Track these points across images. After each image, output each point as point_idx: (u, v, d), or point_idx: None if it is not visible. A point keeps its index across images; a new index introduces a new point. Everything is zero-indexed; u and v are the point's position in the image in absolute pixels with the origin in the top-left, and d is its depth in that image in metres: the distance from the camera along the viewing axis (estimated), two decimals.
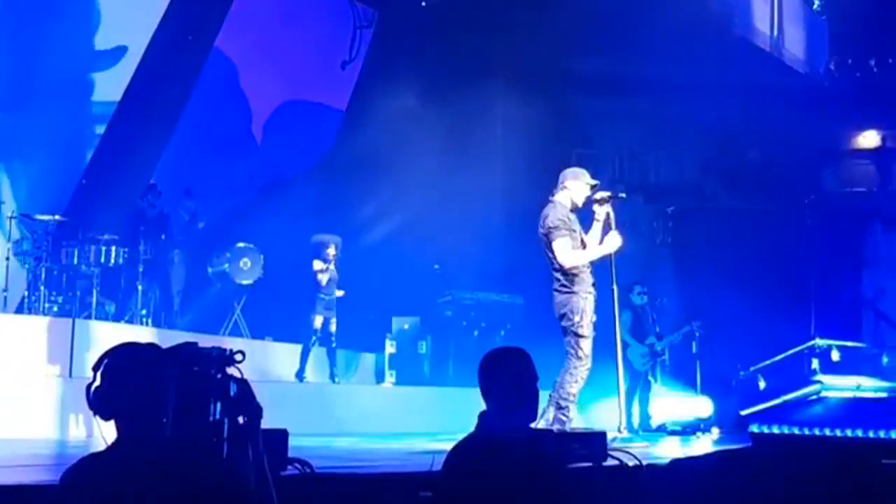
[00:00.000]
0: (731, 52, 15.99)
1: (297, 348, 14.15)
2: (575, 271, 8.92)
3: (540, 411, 8.34)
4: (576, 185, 9.17)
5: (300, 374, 13.82)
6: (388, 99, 17.03)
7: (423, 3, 17.17)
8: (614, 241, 9.17)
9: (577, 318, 8.86)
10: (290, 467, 5.69)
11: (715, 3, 16.00)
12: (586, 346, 8.85)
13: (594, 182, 9.27)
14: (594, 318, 8.98)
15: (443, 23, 16.96)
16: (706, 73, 15.42)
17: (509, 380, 4.61)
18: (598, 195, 9.29)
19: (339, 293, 14.15)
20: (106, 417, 3.63)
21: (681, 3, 15.49)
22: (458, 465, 4.46)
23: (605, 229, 9.29)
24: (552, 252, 8.94)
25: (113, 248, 12.97)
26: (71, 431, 10.27)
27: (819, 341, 13.94)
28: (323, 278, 13.99)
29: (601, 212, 9.30)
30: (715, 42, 15.74)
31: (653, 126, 17.12)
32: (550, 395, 8.79)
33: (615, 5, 15.22)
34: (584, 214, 9.34)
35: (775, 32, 17.11)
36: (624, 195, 9.59)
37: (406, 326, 15.34)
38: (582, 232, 9.22)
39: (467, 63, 16.64)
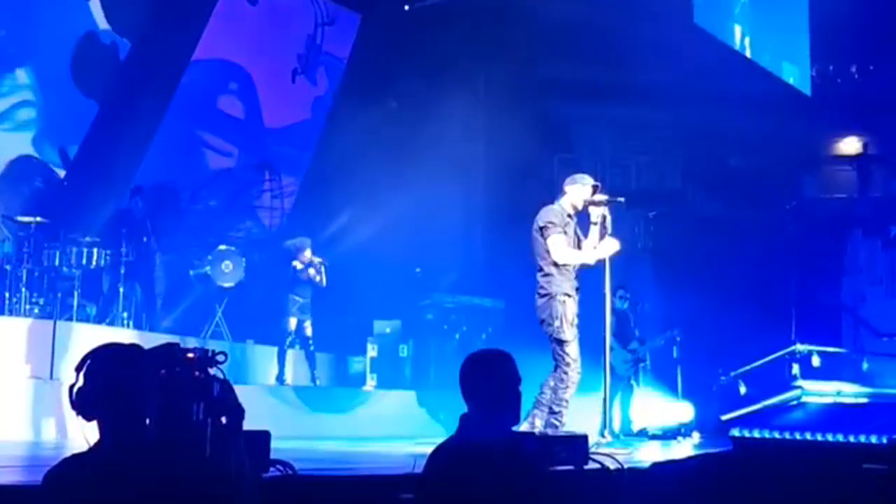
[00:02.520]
0: (712, 59, 16.02)
1: (275, 351, 14.19)
2: (554, 272, 8.89)
3: (524, 414, 8.37)
4: (574, 189, 9.12)
5: (280, 378, 13.83)
6: (370, 102, 17.04)
7: (406, 8, 17.18)
8: (611, 246, 9.12)
9: (556, 324, 8.77)
10: (272, 469, 5.69)
11: (696, 9, 16.04)
12: (571, 350, 8.77)
13: (594, 182, 9.19)
14: (576, 322, 8.92)
15: (425, 28, 16.98)
16: (688, 79, 15.47)
17: (492, 382, 4.55)
18: (595, 197, 9.25)
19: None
20: (88, 418, 3.62)
21: (662, 10, 15.54)
22: (439, 467, 4.45)
23: (602, 232, 9.20)
24: (544, 249, 8.91)
25: (94, 251, 12.94)
26: (51, 433, 10.25)
27: (800, 347, 13.98)
28: (309, 273, 13.98)
29: (595, 213, 9.16)
30: (696, 49, 15.78)
31: (634, 132, 17.18)
32: (536, 398, 8.76)
33: (597, 12, 15.26)
34: (584, 218, 9.32)
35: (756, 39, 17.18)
36: (622, 199, 9.51)
37: (387, 330, 15.33)
38: (581, 235, 9.17)
39: (449, 68, 16.65)
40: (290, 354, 14.10)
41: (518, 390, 4.64)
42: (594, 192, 9.20)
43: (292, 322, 13.97)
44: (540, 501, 4.52)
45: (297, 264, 14.01)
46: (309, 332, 14.04)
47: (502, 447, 4.46)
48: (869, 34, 17.11)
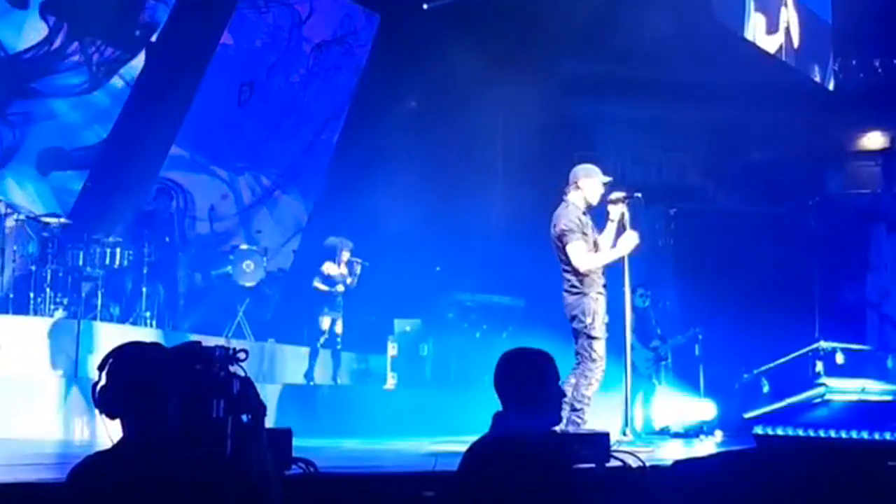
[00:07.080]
0: (733, 54, 15.97)
1: (299, 350, 14.20)
2: (586, 272, 8.82)
3: None
4: (589, 184, 8.95)
5: (309, 376, 13.85)
6: (390, 101, 17.05)
7: (425, 6, 17.17)
8: (630, 242, 8.98)
9: (588, 320, 8.70)
10: (294, 466, 5.71)
11: (717, 4, 15.99)
12: (600, 347, 8.71)
13: (607, 179, 9.06)
14: (606, 320, 8.86)
15: (443, 26, 16.96)
16: (709, 74, 15.41)
17: (528, 381, 4.46)
18: (613, 195, 9.07)
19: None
20: (112, 416, 3.66)
21: (682, 5, 15.50)
22: (473, 466, 4.39)
23: (620, 230, 9.11)
24: (565, 255, 8.80)
25: (118, 251, 13.04)
26: (76, 431, 10.32)
27: (823, 344, 13.85)
28: (337, 278, 13.98)
29: (615, 212, 9.08)
30: (718, 44, 15.73)
31: (655, 128, 17.12)
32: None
33: (617, 9, 15.22)
34: (599, 214, 9.24)
35: (779, 33, 17.11)
36: (640, 195, 9.35)
37: (408, 328, 15.30)
38: (596, 232, 9.05)
39: (468, 67, 16.63)
40: (322, 354, 14.10)
41: (558, 389, 4.58)
42: (607, 188, 9.09)
43: (325, 321, 13.97)
44: (575, 501, 4.49)
45: (319, 285, 13.99)
46: (339, 329, 14.05)
47: (539, 446, 4.41)
48: (892, 28, 17.00)
